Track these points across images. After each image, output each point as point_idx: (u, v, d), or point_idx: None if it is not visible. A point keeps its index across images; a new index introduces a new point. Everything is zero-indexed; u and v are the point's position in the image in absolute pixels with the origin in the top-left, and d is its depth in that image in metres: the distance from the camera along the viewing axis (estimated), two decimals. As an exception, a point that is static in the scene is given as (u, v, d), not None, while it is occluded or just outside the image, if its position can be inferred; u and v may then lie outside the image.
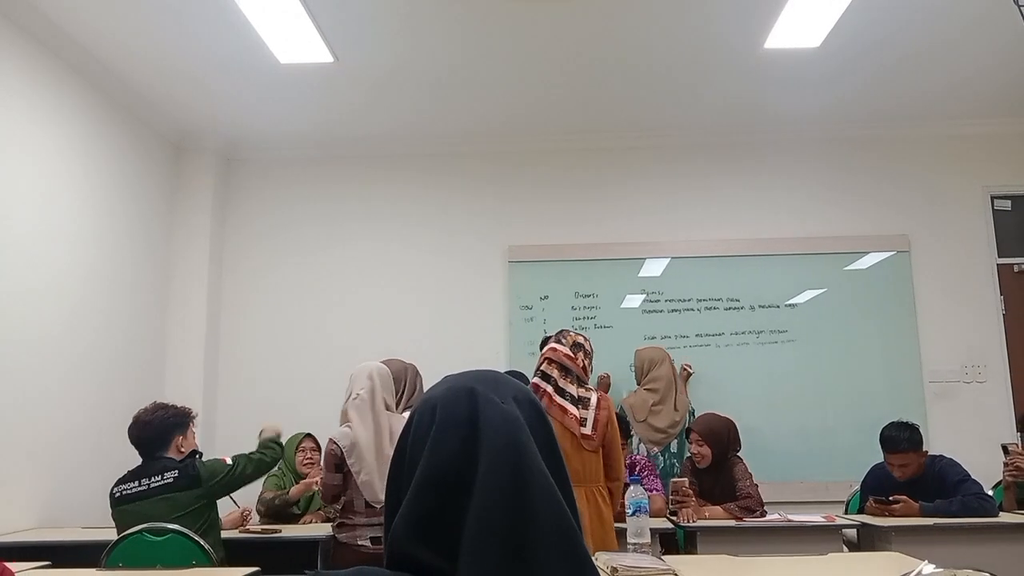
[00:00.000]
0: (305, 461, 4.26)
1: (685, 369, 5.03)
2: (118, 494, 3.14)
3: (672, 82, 4.75)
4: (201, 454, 3.45)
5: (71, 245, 4.29)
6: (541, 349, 4.74)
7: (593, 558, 0.90)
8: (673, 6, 3.90)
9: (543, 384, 3.23)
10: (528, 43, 4.24)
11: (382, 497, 3.16)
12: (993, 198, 5.34)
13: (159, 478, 3.11)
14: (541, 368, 3.31)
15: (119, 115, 4.73)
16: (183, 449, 3.31)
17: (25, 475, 3.88)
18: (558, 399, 3.18)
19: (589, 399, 3.20)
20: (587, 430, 3.13)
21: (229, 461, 3.31)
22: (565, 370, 3.23)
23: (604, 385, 4.96)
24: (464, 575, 0.84)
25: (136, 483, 3.12)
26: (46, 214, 4.09)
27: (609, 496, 3.20)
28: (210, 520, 3.14)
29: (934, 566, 1.62)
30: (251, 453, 3.44)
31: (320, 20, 3.93)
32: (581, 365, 3.27)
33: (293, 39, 4.07)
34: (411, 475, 0.92)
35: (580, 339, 3.33)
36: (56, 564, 2.86)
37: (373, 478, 3.24)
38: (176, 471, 3.14)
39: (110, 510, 3.17)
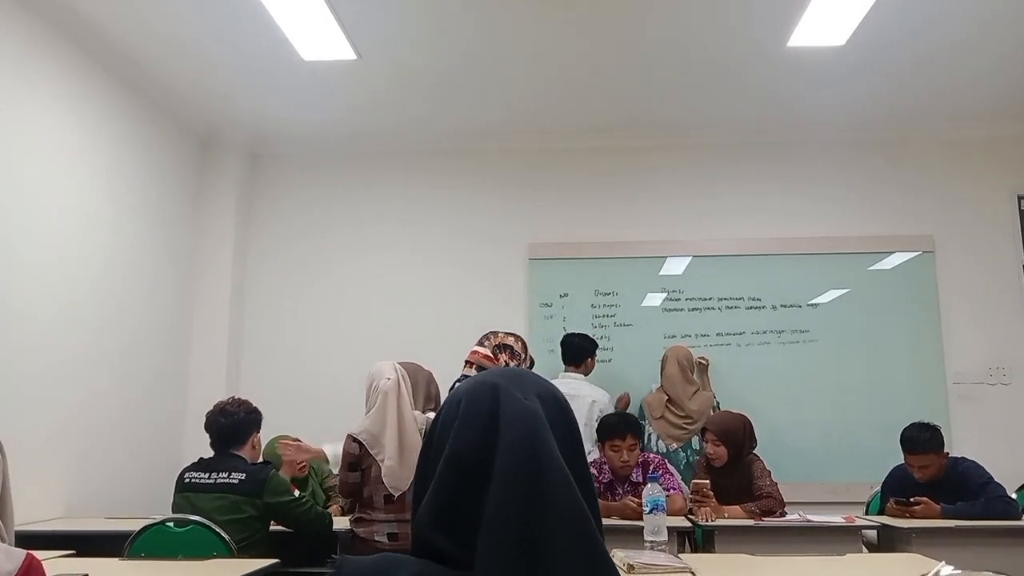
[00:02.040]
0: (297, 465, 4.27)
1: (700, 362, 5.01)
2: (187, 480, 3.21)
3: (695, 80, 4.72)
4: (277, 469, 3.51)
5: (98, 239, 4.36)
6: (561, 346, 4.80)
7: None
8: (697, 4, 3.89)
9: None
10: (552, 40, 4.24)
11: (403, 486, 3.24)
12: (1020, 198, 5.27)
13: (227, 475, 3.16)
14: (463, 371, 3.41)
15: (145, 110, 4.79)
16: (256, 447, 3.38)
17: (51, 466, 3.95)
18: None
19: None
20: None
21: (296, 493, 3.32)
22: (481, 369, 3.31)
23: (623, 404, 4.94)
24: (480, 562, 0.86)
25: (206, 474, 3.19)
26: (74, 208, 4.15)
27: None
28: (259, 536, 3.15)
29: (952, 568, 1.61)
30: (319, 508, 3.44)
31: (343, 18, 3.95)
32: (503, 364, 3.29)
33: (317, 36, 4.10)
34: (435, 465, 0.96)
35: (509, 340, 3.43)
36: (80, 553, 2.90)
37: (394, 465, 3.27)
38: (244, 475, 3.17)
39: (174, 494, 3.24)
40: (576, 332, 4.92)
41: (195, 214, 5.38)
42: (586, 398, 4.55)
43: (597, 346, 4.87)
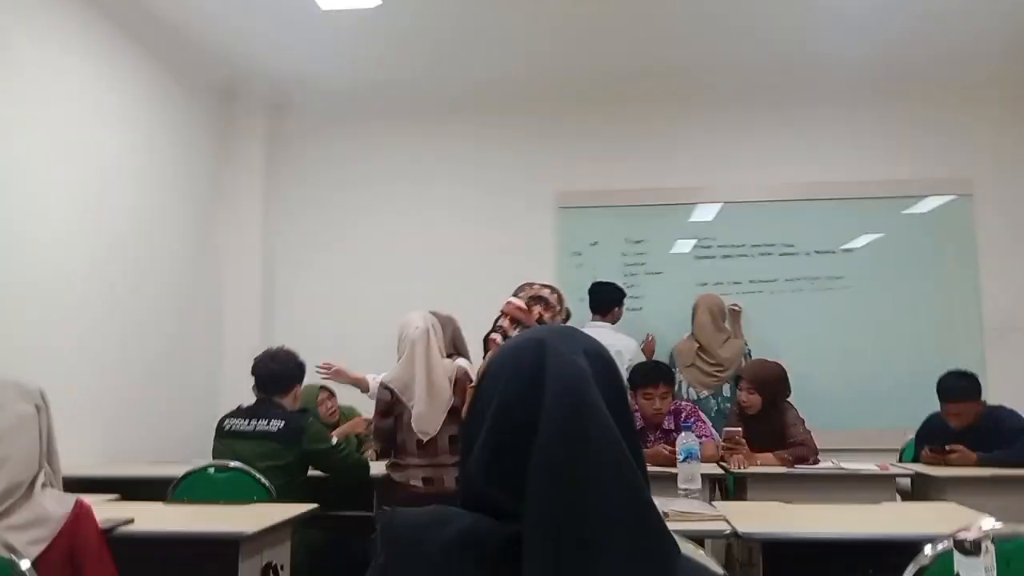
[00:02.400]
0: (328, 413, 4.34)
1: (733, 308, 4.98)
2: (227, 427, 3.28)
3: (724, 23, 4.58)
4: (315, 416, 3.56)
5: (126, 192, 4.38)
6: (589, 296, 4.78)
7: None
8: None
9: (494, 335, 3.29)
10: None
11: (431, 431, 3.30)
12: (1063, 140, 5.12)
13: (266, 423, 3.22)
14: (497, 321, 3.36)
15: (167, 63, 4.76)
16: (299, 397, 3.45)
17: (93, 415, 4.03)
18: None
19: None
20: None
21: (334, 441, 3.38)
22: (516, 322, 3.28)
23: (649, 349, 4.93)
24: (528, 511, 0.87)
25: (245, 421, 3.25)
26: (102, 162, 4.17)
27: None
28: (297, 481, 3.20)
29: (994, 520, 1.59)
30: (356, 455, 3.51)
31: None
32: (537, 317, 3.29)
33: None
34: (482, 420, 0.98)
35: (544, 292, 3.36)
36: (125, 497, 2.98)
37: (423, 410, 3.33)
38: (283, 422, 3.22)
39: (214, 439, 3.32)
40: (604, 281, 4.89)
41: (221, 165, 5.38)
42: (612, 347, 4.53)
43: (625, 295, 4.85)
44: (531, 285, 3.43)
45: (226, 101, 5.44)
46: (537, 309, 3.34)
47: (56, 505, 1.90)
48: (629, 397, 4.04)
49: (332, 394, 4.45)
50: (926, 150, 5.19)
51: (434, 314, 3.76)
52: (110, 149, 4.24)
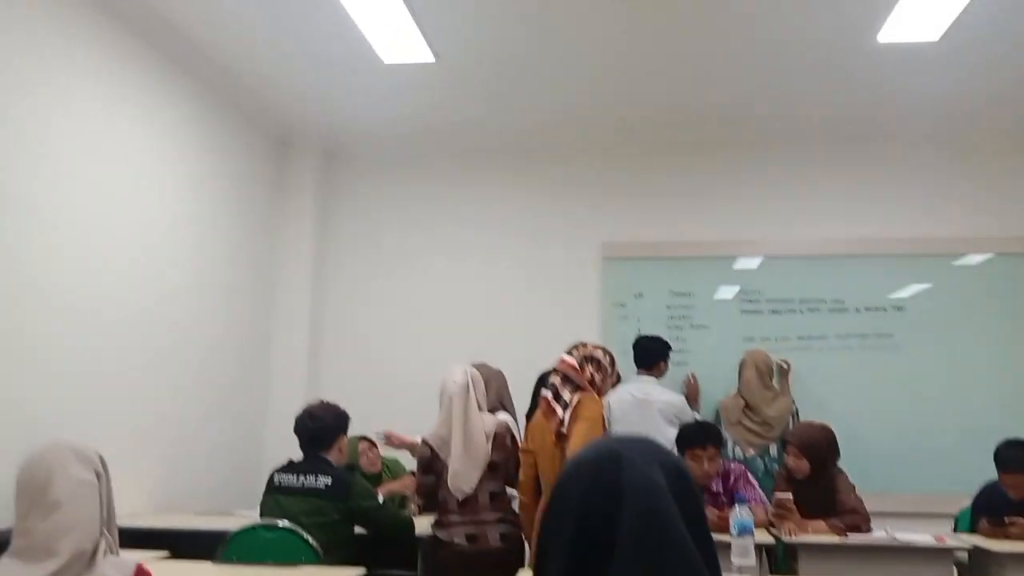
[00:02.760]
0: (369, 464, 4.34)
1: (782, 366, 4.91)
2: (277, 482, 3.29)
3: (778, 76, 4.58)
4: (361, 472, 3.57)
5: (180, 240, 4.47)
6: (633, 349, 4.75)
7: None
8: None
9: (545, 391, 3.35)
10: (629, 39, 4.17)
11: (467, 488, 3.31)
12: None
13: (314, 479, 3.23)
14: (549, 376, 3.42)
15: (226, 112, 4.89)
16: (343, 450, 3.46)
17: (140, 464, 4.09)
18: (553, 404, 3.27)
19: (572, 402, 3.24)
20: (564, 429, 3.19)
21: (381, 499, 3.41)
22: (567, 379, 3.30)
23: (692, 391, 4.88)
24: None
25: (294, 477, 3.26)
26: (157, 210, 4.26)
27: None
28: (343, 538, 3.21)
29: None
30: (402, 513, 3.55)
31: (422, 20, 3.96)
32: (589, 377, 3.31)
33: (396, 39, 4.11)
34: (557, 529, 0.99)
35: (598, 353, 3.38)
36: (172, 552, 3.00)
37: (458, 468, 3.36)
38: (330, 478, 3.24)
39: (264, 493, 3.33)
40: (648, 335, 4.85)
41: (273, 213, 5.48)
42: (658, 404, 4.50)
43: (670, 348, 4.79)
44: (584, 345, 3.43)
45: (281, 148, 5.55)
46: (589, 369, 3.34)
47: (115, 572, 1.91)
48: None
49: (373, 444, 4.46)
50: (979, 207, 5.12)
51: (481, 367, 3.78)
52: (166, 197, 4.34)
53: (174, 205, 4.40)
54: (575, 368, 3.32)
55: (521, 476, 3.41)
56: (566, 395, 3.28)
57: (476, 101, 5.01)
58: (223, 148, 4.89)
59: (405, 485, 4.21)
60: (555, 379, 3.36)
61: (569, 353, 3.41)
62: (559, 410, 3.24)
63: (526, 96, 4.94)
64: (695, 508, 0.99)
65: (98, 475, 1.96)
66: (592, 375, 3.32)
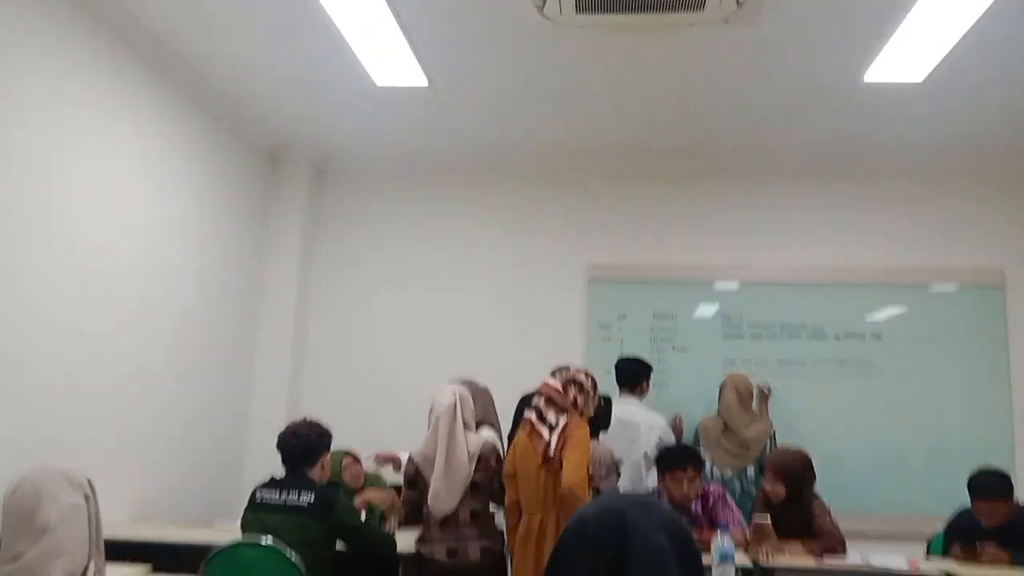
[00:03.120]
0: (352, 478, 4.36)
1: (762, 389, 4.98)
2: (259, 499, 3.29)
3: (765, 110, 4.70)
4: (344, 490, 3.58)
5: (167, 252, 4.48)
6: (616, 370, 4.79)
7: None
8: (771, 37, 3.86)
9: (529, 413, 3.40)
10: (620, 69, 4.26)
11: (447, 509, 3.36)
12: (1097, 236, 5.15)
13: (297, 496, 3.23)
14: (533, 399, 3.46)
15: (216, 126, 4.91)
16: (325, 467, 3.46)
17: (120, 474, 4.08)
18: (539, 427, 3.32)
19: (559, 425, 3.29)
20: (551, 452, 3.23)
21: (363, 516, 3.42)
22: (551, 401, 3.36)
23: (677, 427, 4.92)
24: None
25: (277, 494, 3.26)
26: (144, 222, 4.27)
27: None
28: (326, 557, 3.21)
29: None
30: (385, 531, 3.56)
31: (417, 44, 4.01)
32: (572, 399, 3.36)
33: (390, 62, 4.17)
34: None
35: (580, 376, 3.43)
36: (154, 565, 3.00)
37: (439, 488, 3.41)
38: (314, 496, 3.24)
39: (245, 510, 3.33)
40: (630, 356, 4.91)
41: (261, 228, 5.50)
42: (641, 425, 4.55)
43: (651, 369, 4.84)
44: (567, 368, 3.50)
45: (270, 165, 5.58)
46: (572, 391, 3.39)
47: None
48: (656, 482, 4.06)
49: (356, 459, 4.48)
50: (959, 239, 5.24)
51: (468, 383, 3.82)
52: (154, 209, 4.35)
53: (161, 217, 4.42)
54: (559, 391, 3.38)
55: (506, 500, 3.46)
56: (551, 417, 3.33)
57: (466, 125, 5.07)
58: (212, 162, 4.91)
59: (384, 498, 4.22)
60: (539, 401, 3.41)
61: (553, 376, 3.47)
62: (544, 432, 3.28)
63: (516, 121, 5.01)
64: (696, 569, 1.02)
65: (87, 498, 1.97)
66: (575, 397, 3.38)
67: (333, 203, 5.77)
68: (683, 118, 4.89)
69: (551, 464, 3.24)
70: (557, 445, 3.23)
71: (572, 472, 3.12)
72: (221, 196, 5.01)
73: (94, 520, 1.98)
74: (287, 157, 5.58)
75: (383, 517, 4.28)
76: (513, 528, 3.41)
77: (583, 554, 0.99)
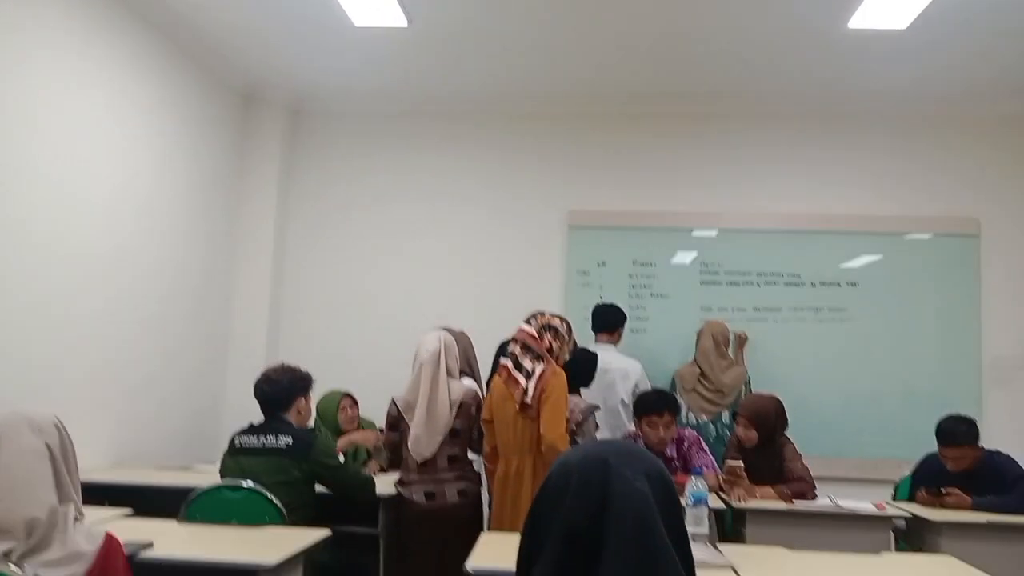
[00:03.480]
0: (347, 420, 4.40)
1: (741, 336, 5.05)
2: (237, 444, 3.31)
3: (748, 54, 4.65)
4: (321, 432, 3.60)
5: (142, 192, 4.42)
6: (592, 318, 4.82)
7: None
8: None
9: (505, 360, 3.44)
10: (599, 8, 4.17)
11: (426, 453, 3.43)
12: (1072, 185, 5.20)
13: (274, 439, 3.25)
14: (508, 345, 3.50)
15: (190, 64, 4.80)
16: (301, 411, 3.48)
17: (98, 416, 4.07)
18: (514, 373, 3.35)
19: (536, 372, 3.32)
20: (528, 399, 3.26)
21: (342, 458, 3.44)
22: (527, 348, 3.38)
23: None
24: None
25: (255, 438, 3.28)
26: (119, 162, 4.20)
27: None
28: (305, 499, 3.24)
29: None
30: (363, 473, 3.57)
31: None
32: (547, 345, 3.39)
33: (369, 1, 4.06)
34: (543, 532, 1.02)
35: (555, 322, 3.46)
36: (136, 509, 3.02)
37: (419, 433, 3.47)
38: (291, 438, 3.26)
39: (224, 455, 3.36)
40: (607, 303, 4.93)
41: (236, 169, 5.41)
42: (617, 371, 4.59)
43: (627, 317, 4.89)
44: (542, 314, 3.50)
45: (245, 104, 5.47)
46: (548, 337, 3.41)
47: (87, 542, 1.94)
48: (633, 426, 4.12)
49: (355, 402, 4.50)
50: (935, 188, 5.25)
51: (448, 331, 3.83)
52: (126, 146, 4.27)
53: (135, 156, 4.33)
54: (533, 337, 3.39)
55: (485, 446, 3.51)
56: (527, 364, 3.35)
57: (446, 67, 4.98)
58: (186, 100, 4.80)
59: (367, 438, 4.26)
60: (514, 348, 3.43)
61: (527, 322, 3.47)
62: (521, 379, 3.31)
63: (495, 64, 4.93)
64: (675, 513, 1.04)
65: (50, 447, 1.95)
66: (550, 343, 3.40)
67: (310, 145, 5.68)
68: (663, 61, 4.82)
69: (528, 411, 3.28)
70: (535, 393, 3.26)
71: (551, 429, 3.17)
72: (195, 137, 4.91)
73: (62, 464, 1.96)
74: (262, 98, 5.47)
75: (368, 458, 4.34)
76: (492, 472, 3.47)
77: (565, 502, 1.01)
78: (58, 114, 3.72)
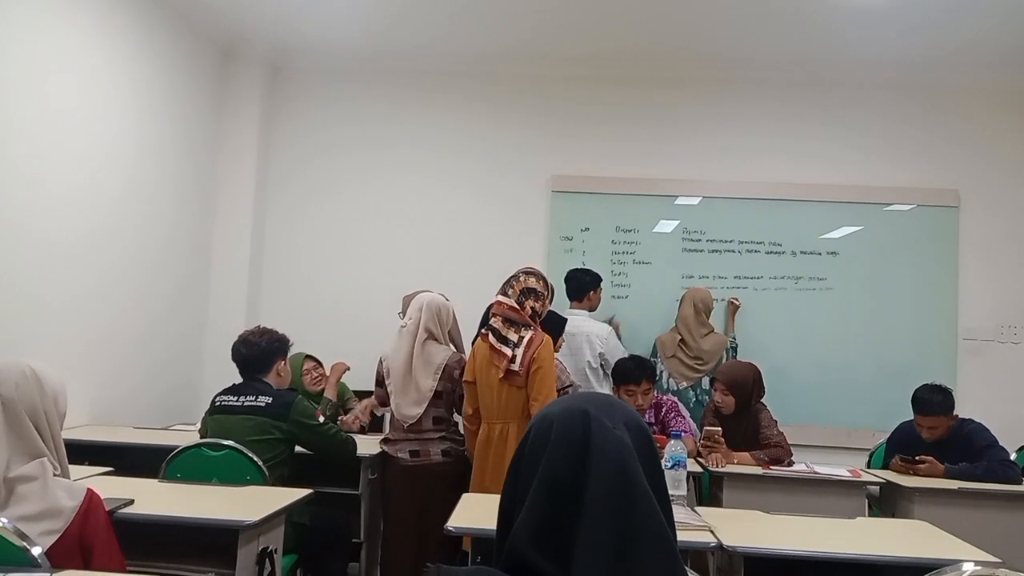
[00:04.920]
0: (312, 382, 4.40)
1: (733, 302, 5.10)
2: (217, 403, 3.31)
3: (733, 21, 4.62)
4: (304, 391, 3.60)
5: (120, 153, 4.34)
6: (565, 283, 4.81)
7: None
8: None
9: (488, 334, 3.41)
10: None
11: (410, 418, 3.46)
12: (1051, 157, 5.24)
13: (253, 398, 3.25)
14: (489, 319, 3.47)
15: (166, 21, 4.69)
16: (281, 373, 3.47)
17: (76, 373, 4.03)
18: (497, 345, 3.34)
19: (524, 339, 3.31)
20: (515, 366, 3.27)
21: (321, 419, 3.44)
22: (508, 320, 3.37)
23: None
24: None
25: (234, 398, 3.29)
26: (96, 121, 4.12)
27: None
28: (283, 457, 3.23)
29: (973, 563, 1.69)
30: (344, 432, 3.56)
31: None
32: (528, 312, 3.37)
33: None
34: (525, 482, 1.03)
35: (531, 282, 3.41)
36: (116, 468, 3.01)
37: (398, 399, 3.54)
38: (271, 398, 3.26)
39: (204, 415, 3.37)
40: (579, 267, 4.94)
41: (216, 127, 5.32)
42: (583, 336, 4.59)
43: (600, 280, 4.86)
44: (517, 279, 3.45)
45: (225, 60, 5.37)
46: (528, 304, 3.39)
47: (68, 497, 1.93)
48: (601, 389, 4.16)
49: (319, 363, 4.50)
50: (917, 160, 5.27)
51: (433, 296, 3.86)
52: (107, 107, 4.19)
53: (114, 116, 4.25)
54: (514, 308, 3.37)
55: (466, 407, 3.51)
56: (512, 335, 3.34)
57: (429, 25, 4.91)
58: (164, 58, 4.70)
59: (364, 407, 4.24)
60: (496, 322, 3.41)
61: (505, 293, 3.43)
62: (507, 350, 3.30)
63: (480, 23, 4.86)
64: (655, 463, 1.06)
65: (5, 400, 1.92)
66: (532, 308, 3.38)
67: (291, 102, 5.59)
68: (648, 27, 4.77)
69: (515, 378, 3.29)
70: (523, 360, 3.26)
71: (543, 398, 3.19)
72: (172, 95, 4.81)
73: (25, 417, 1.93)
74: (242, 54, 5.36)
75: (345, 406, 4.39)
76: (473, 433, 3.49)
77: (547, 451, 1.03)
78: (35, 74, 3.63)
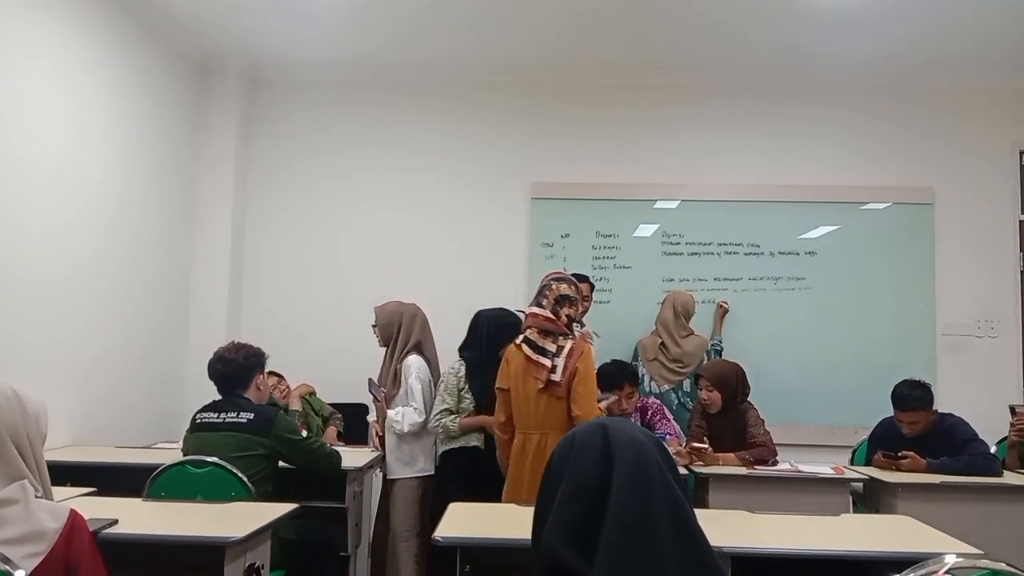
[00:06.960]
0: (280, 396, 4.44)
1: (721, 306, 5.17)
2: (198, 420, 3.27)
3: (708, 25, 4.67)
4: (284, 409, 3.59)
5: (99, 164, 4.31)
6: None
7: None
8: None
9: (525, 347, 3.31)
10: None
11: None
12: (1022, 153, 5.31)
13: (235, 414, 3.22)
14: (524, 332, 3.37)
15: (145, 34, 4.68)
16: (261, 388, 3.45)
17: (58, 394, 3.99)
18: (535, 356, 3.26)
19: (564, 348, 3.26)
20: (556, 377, 3.21)
21: (304, 433, 3.43)
22: (544, 331, 3.30)
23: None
24: (601, 560, 1.02)
25: (215, 415, 3.25)
26: (74, 133, 4.10)
27: None
28: (266, 473, 3.20)
29: (955, 556, 1.71)
30: (329, 446, 3.54)
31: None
32: (564, 321, 3.31)
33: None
34: (553, 487, 1.13)
35: (563, 288, 3.33)
36: (98, 488, 2.98)
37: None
38: (252, 413, 3.23)
39: (186, 433, 3.32)
40: (575, 272, 4.93)
41: (195, 138, 5.30)
42: None
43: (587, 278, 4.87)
44: (549, 288, 3.35)
45: (202, 73, 5.35)
46: (564, 312, 3.31)
47: (50, 519, 1.90)
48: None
49: (282, 378, 4.53)
50: (892, 158, 5.34)
51: (381, 308, 4.09)
52: (85, 119, 4.17)
53: (92, 127, 4.23)
54: (550, 319, 3.30)
55: (499, 415, 3.41)
56: (549, 346, 3.27)
57: (405, 34, 4.92)
58: (142, 69, 4.69)
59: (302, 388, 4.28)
60: (532, 335, 3.31)
61: (540, 305, 3.34)
62: (546, 361, 3.23)
63: (457, 32, 4.88)
64: (670, 460, 1.15)
65: None
66: (568, 315, 3.33)
67: (269, 113, 5.57)
68: (624, 35, 4.83)
69: (555, 389, 3.22)
70: (565, 368, 3.21)
71: (588, 408, 3.19)
72: (149, 108, 4.79)
73: (5, 437, 1.91)
74: (219, 68, 5.35)
75: (326, 423, 4.41)
76: (505, 443, 3.40)
77: (570, 457, 1.13)
78: (14, 85, 3.61)
